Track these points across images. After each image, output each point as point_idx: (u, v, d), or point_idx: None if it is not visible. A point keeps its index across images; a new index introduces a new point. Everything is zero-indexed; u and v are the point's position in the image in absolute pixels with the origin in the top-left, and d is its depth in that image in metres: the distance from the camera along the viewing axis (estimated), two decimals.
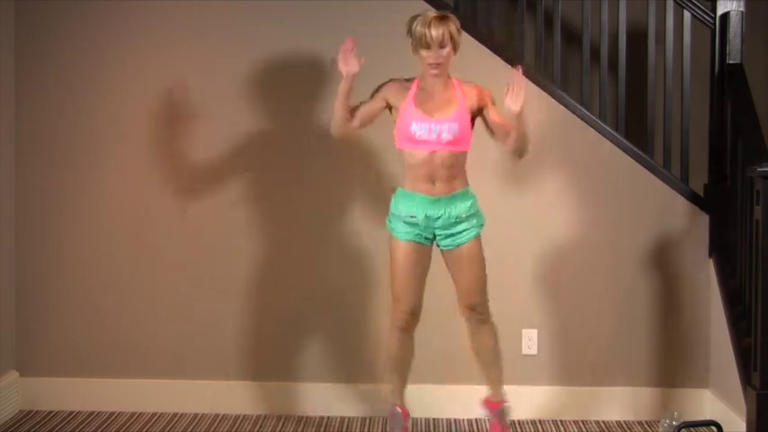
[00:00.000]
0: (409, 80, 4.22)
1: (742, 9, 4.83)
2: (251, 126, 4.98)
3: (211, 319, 5.01)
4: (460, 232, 4.22)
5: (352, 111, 4.22)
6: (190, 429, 4.79)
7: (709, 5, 4.91)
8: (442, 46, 4.08)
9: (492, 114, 4.22)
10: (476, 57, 4.90)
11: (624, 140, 4.92)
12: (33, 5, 4.99)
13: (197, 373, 5.01)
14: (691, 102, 4.96)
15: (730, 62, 4.82)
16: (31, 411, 5.01)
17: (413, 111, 4.13)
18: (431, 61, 4.10)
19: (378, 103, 4.22)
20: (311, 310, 5.00)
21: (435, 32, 4.05)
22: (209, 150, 4.99)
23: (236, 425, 4.85)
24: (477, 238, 4.25)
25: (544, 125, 4.92)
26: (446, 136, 4.11)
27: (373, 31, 4.93)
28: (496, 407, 4.45)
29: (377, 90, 4.24)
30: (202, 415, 4.98)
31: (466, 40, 4.90)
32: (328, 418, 4.95)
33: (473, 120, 4.22)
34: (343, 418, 4.95)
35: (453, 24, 4.12)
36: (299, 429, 4.82)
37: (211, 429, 4.80)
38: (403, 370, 4.40)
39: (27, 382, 5.04)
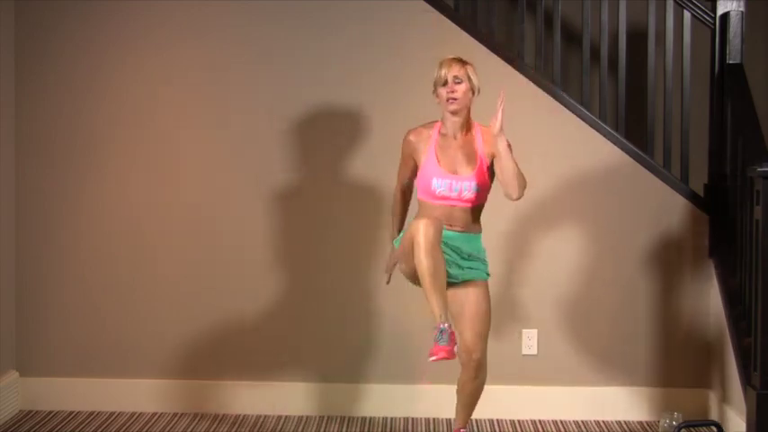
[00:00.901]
0: (429, 125, 4.21)
1: (742, 9, 4.83)
2: (251, 126, 4.98)
3: (211, 319, 5.01)
4: (470, 268, 4.15)
5: (404, 187, 4.33)
6: (190, 429, 4.79)
7: (709, 5, 4.91)
8: (457, 81, 4.11)
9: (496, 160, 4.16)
10: (476, 57, 4.90)
11: (624, 140, 4.92)
12: (33, 5, 4.99)
13: (197, 373, 5.01)
14: (691, 102, 4.96)
15: (730, 62, 4.82)
16: (31, 411, 5.01)
17: (434, 166, 4.11)
18: (447, 95, 4.10)
19: (409, 165, 4.23)
20: (312, 311, 5.00)
21: (450, 68, 4.12)
22: (210, 150, 4.99)
23: (236, 425, 4.85)
24: (486, 282, 4.19)
25: (544, 125, 4.93)
26: (467, 194, 4.11)
27: (373, 32, 4.94)
28: None
29: (402, 151, 4.22)
30: (202, 415, 4.98)
31: (466, 39, 4.92)
32: (328, 417, 4.95)
33: (492, 166, 4.17)
34: (342, 418, 4.95)
35: (471, 66, 4.17)
36: (299, 429, 4.82)
37: (211, 429, 4.80)
38: (442, 284, 3.96)
39: (27, 382, 5.04)
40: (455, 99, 4.10)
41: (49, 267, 5.03)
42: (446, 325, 3.89)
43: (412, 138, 4.19)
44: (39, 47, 5.00)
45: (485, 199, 4.21)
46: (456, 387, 4.28)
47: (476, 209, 4.19)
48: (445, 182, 4.10)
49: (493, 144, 4.07)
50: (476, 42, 4.91)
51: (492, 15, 5.00)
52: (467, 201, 4.12)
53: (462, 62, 4.17)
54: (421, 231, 3.88)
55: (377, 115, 4.96)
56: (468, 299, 4.13)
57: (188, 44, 4.99)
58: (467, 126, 4.18)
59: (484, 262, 4.23)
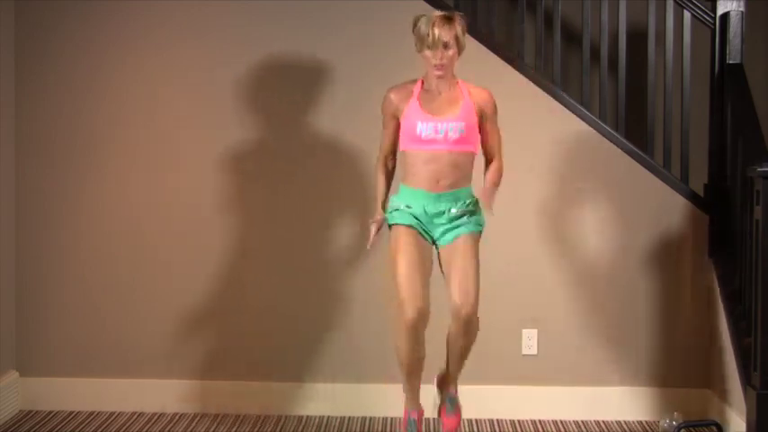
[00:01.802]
0: (412, 82, 4.12)
1: (742, 9, 4.83)
2: (251, 127, 4.98)
3: (211, 319, 5.01)
4: (457, 226, 4.05)
5: (387, 155, 4.21)
6: (189, 429, 4.79)
7: (709, 5, 4.91)
8: (446, 47, 3.96)
9: (487, 127, 4.11)
10: (476, 57, 4.90)
11: (624, 140, 4.92)
12: (33, 5, 4.98)
13: (197, 373, 5.01)
14: (691, 102, 4.96)
15: (730, 62, 4.82)
16: (31, 411, 5.01)
17: (418, 110, 4.01)
18: (435, 62, 3.99)
19: (392, 126, 4.12)
20: (313, 310, 5.00)
21: (440, 33, 3.93)
22: (210, 151, 4.99)
23: (236, 425, 4.85)
24: (474, 234, 4.06)
25: (544, 125, 4.93)
26: (453, 135, 3.99)
27: (373, 31, 4.94)
28: (449, 391, 4.24)
29: (382, 112, 4.13)
30: (203, 415, 4.98)
31: (467, 40, 4.90)
32: (328, 417, 4.96)
33: (480, 123, 4.10)
34: (343, 418, 4.95)
35: (459, 26, 4.00)
36: (299, 429, 4.82)
37: (211, 429, 4.80)
38: (418, 373, 4.12)
39: (27, 382, 5.04)
40: (443, 65, 3.99)
41: (49, 267, 5.03)
42: (414, 416, 4.13)
43: (393, 96, 4.06)
44: (39, 47, 5.00)
45: (474, 147, 4.06)
46: (447, 341, 4.12)
47: (465, 159, 4.04)
48: (430, 124, 3.97)
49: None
50: (476, 42, 4.90)
51: (492, 15, 5.00)
52: (454, 143, 3.98)
53: (451, 21, 3.96)
54: (407, 324, 3.89)
55: (377, 115, 4.95)
56: (455, 252, 4.01)
57: (188, 44, 4.99)
58: (452, 82, 4.09)
59: (473, 213, 4.08)
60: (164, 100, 5.00)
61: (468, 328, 3.99)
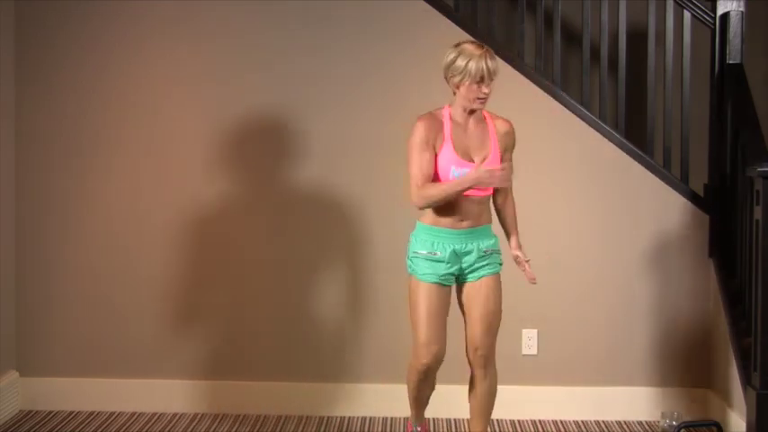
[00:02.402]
0: (438, 111, 3.99)
1: (742, 9, 4.83)
2: (253, 127, 4.98)
3: (211, 319, 5.01)
4: (486, 265, 4.03)
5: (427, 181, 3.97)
6: (190, 429, 4.79)
7: (709, 5, 4.91)
8: (492, 79, 3.92)
9: (504, 158, 4.06)
10: None
11: (624, 140, 4.92)
12: (33, 5, 4.98)
13: (197, 373, 5.01)
14: (691, 102, 4.96)
15: (730, 62, 4.82)
16: (31, 411, 5.01)
17: (451, 154, 3.91)
18: (481, 95, 3.91)
19: (430, 153, 3.91)
20: (313, 311, 5.00)
21: (492, 66, 3.88)
22: (211, 151, 4.99)
23: (237, 425, 4.85)
24: (498, 275, 4.06)
25: (544, 125, 4.93)
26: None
27: (373, 32, 4.94)
28: None
29: (414, 141, 3.91)
30: (203, 415, 4.98)
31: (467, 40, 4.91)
32: (328, 418, 4.96)
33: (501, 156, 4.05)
34: (343, 418, 4.95)
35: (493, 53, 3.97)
36: (299, 429, 4.82)
37: (211, 429, 4.80)
38: (426, 401, 4.27)
39: (27, 382, 5.04)
40: (485, 99, 3.95)
41: (49, 267, 5.03)
42: (419, 429, 4.28)
43: (425, 127, 3.91)
44: (38, 47, 5.00)
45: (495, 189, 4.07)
46: (468, 395, 4.19)
47: (486, 199, 4.04)
48: (464, 170, 3.89)
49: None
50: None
51: (492, 15, 5.00)
52: (482, 190, 3.95)
53: (491, 53, 3.91)
54: (421, 367, 4.02)
55: (377, 116, 4.96)
56: (478, 294, 4.03)
57: (188, 44, 4.99)
58: (477, 113, 4.01)
59: (498, 252, 4.07)
60: (164, 100, 5.00)
61: (486, 371, 4.09)
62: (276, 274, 5.00)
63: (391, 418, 4.94)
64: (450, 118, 3.97)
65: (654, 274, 4.93)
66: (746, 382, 4.28)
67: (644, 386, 4.95)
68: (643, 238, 4.92)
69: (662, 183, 4.91)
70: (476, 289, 4.03)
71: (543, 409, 4.95)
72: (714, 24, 4.88)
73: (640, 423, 4.90)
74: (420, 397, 4.21)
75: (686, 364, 4.94)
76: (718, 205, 4.87)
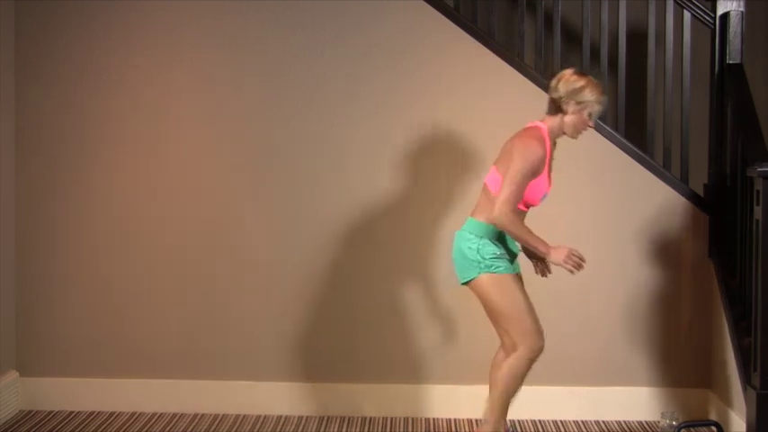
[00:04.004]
0: (540, 132, 4.15)
1: (742, 9, 4.83)
2: (254, 128, 4.98)
3: (211, 318, 5.01)
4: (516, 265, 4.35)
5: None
6: (190, 429, 4.79)
7: (709, 5, 4.91)
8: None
9: None
10: (476, 57, 4.91)
11: (624, 140, 4.92)
12: (33, 5, 4.98)
13: (197, 373, 5.02)
14: (691, 102, 4.96)
15: (730, 62, 4.82)
16: (31, 411, 5.01)
17: (544, 181, 4.16)
18: (589, 126, 4.19)
19: (531, 180, 4.12)
20: (313, 311, 5.00)
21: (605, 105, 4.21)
22: (211, 151, 4.99)
23: (236, 425, 4.85)
24: None
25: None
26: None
27: (373, 32, 4.94)
28: None
29: (529, 164, 4.06)
30: (202, 415, 4.98)
31: (466, 39, 4.92)
32: (328, 418, 4.96)
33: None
34: (343, 418, 4.95)
35: None
36: (299, 429, 4.82)
37: (211, 429, 4.80)
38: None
39: (27, 382, 5.04)
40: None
41: (49, 267, 5.03)
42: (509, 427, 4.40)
43: (543, 149, 4.11)
44: (38, 47, 5.00)
45: None
46: (491, 381, 4.29)
47: None
48: (546, 196, 4.22)
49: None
50: (476, 42, 4.91)
51: (492, 15, 5.00)
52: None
53: None
54: (536, 353, 4.17)
55: (376, 116, 4.96)
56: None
57: (189, 44, 4.99)
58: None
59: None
60: (166, 99, 5.00)
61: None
62: (276, 274, 4.99)
63: (391, 419, 4.94)
64: (548, 140, 4.17)
65: (654, 274, 4.93)
66: (746, 382, 4.28)
67: (644, 386, 4.95)
68: (643, 238, 4.92)
69: (662, 183, 4.91)
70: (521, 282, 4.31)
71: (543, 409, 4.95)
72: (714, 24, 4.88)
73: (640, 423, 4.90)
74: (515, 397, 4.28)
75: (686, 364, 4.94)
76: (718, 205, 4.87)
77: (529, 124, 4.20)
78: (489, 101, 4.93)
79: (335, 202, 4.98)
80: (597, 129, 4.91)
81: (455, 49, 4.93)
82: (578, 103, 4.11)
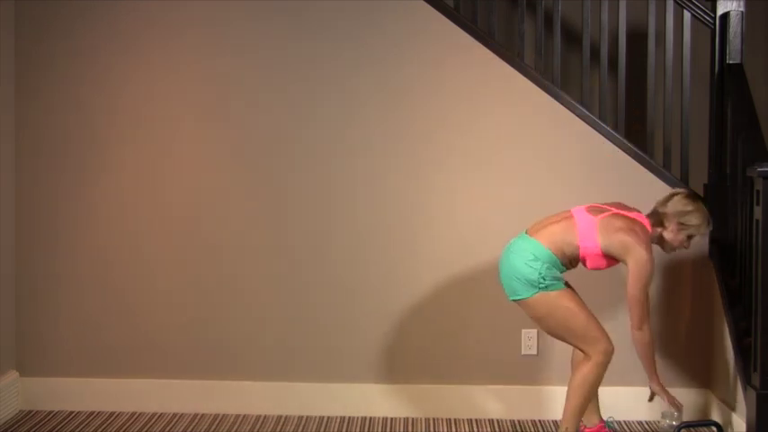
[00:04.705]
0: (647, 236, 4.28)
1: (742, 9, 4.83)
2: (252, 128, 4.98)
3: (211, 319, 5.01)
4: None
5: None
6: (190, 429, 4.79)
7: (709, 5, 4.91)
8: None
9: None
10: (476, 57, 4.91)
11: (624, 140, 4.92)
12: (33, 5, 4.99)
13: (197, 373, 5.02)
14: (691, 102, 4.96)
15: (730, 62, 4.82)
16: (31, 411, 5.01)
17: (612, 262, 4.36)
18: (683, 246, 4.37)
19: None
20: (312, 311, 5.00)
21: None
22: (210, 152, 4.99)
23: (236, 425, 4.85)
24: None
25: (544, 125, 4.93)
26: None
27: (373, 32, 4.94)
28: (600, 427, 4.52)
29: (650, 270, 4.22)
30: (202, 415, 4.98)
31: (466, 39, 4.92)
32: (328, 418, 4.96)
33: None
34: (343, 418, 4.95)
35: None
36: (299, 429, 4.82)
37: (211, 429, 4.80)
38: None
39: (27, 382, 5.04)
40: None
41: (49, 267, 5.03)
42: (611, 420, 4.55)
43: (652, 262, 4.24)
44: (38, 47, 5.00)
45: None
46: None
47: None
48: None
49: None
50: (476, 42, 4.91)
51: (492, 15, 5.00)
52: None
53: None
54: (608, 357, 4.26)
55: (376, 116, 4.96)
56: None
57: (189, 44, 4.99)
58: None
59: None
60: (164, 100, 5.00)
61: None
62: (277, 274, 4.99)
63: (391, 419, 4.94)
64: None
65: (654, 275, 4.92)
66: (746, 382, 4.28)
67: (644, 386, 4.94)
68: None
69: (662, 183, 4.91)
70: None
71: (543, 409, 4.95)
72: (714, 24, 4.88)
73: (640, 423, 4.90)
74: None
75: (686, 364, 4.94)
76: (718, 205, 4.87)
77: (638, 215, 4.33)
78: (489, 101, 4.93)
79: (335, 203, 4.97)
80: (597, 128, 4.92)
81: (455, 49, 4.92)
82: (685, 224, 4.29)
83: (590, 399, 4.32)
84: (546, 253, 4.22)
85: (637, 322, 4.22)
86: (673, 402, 4.37)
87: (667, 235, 4.33)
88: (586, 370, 4.26)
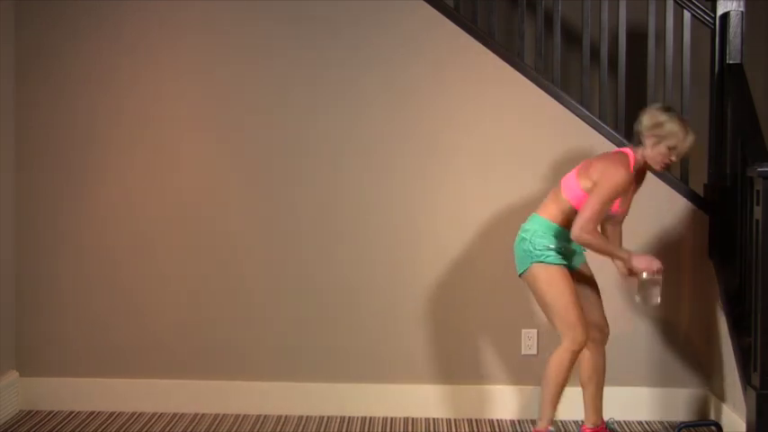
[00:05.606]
0: (627, 159, 4.27)
1: (742, 9, 4.83)
2: (252, 126, 4.98)
3: (211, 319, 5.01)
4: (580, 254, 4.46)
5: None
6: (190, 429, 4.79)
7: (709, 5, 4.91)
8: (681, 155, 4.31)
9: None
10: (476, 57, 4.91)
11: (624, 140, 4.92)
12: (33, 5, 4.98)
13: (197, 373, 5.02)
14: (691, 102, 4.96)
15: (730, 62, 4.82)
16: (31, 411, 5.01)
17: (617, 203, 4.32)
18: (667, 161, 4.28)
19: (613, 202, 4.27)
20: (312, 310, 5.00)
21: (692, 146, 4.29)
22: (210, 150, 4.99)
23: (236, 424, 4.85)
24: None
25: (544, 125, 4.93)
26: None
27: (372, 32, 4.94)
28: (602, 428, 4.53)
29: (616, 188, 4.19)
30: (202, 415, 4.98)
31: (466, 39, 4.92)
32: (328, 418, 4.96)
33: None
34: (343, 418, 4.95)
35: None
36: (299, 429, 4.82)
37: (211, 429, 4.80)
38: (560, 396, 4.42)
39: (27, 382, 5.04)
40: (668, 166, 4.32)
41: (49, 267, 5.03)
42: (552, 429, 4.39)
43: (630, 176, 4.23)
44: (39, 47, 5.00)
45: None
46: (582, 380, 4.47)
47: None
48: (613, 217, 4.35)
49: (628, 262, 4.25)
50: (476, 42, 4.91)
51: (492, 15, 5.00)
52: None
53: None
54: (579, 345, 4.26)
55: (376, 116, 4.96)
56: (588, 280, 4.45)
57: (188, 44, 4.99)
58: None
59: (583, 249, 4.46)
60: (165, 100, 4.99)
61: (607, 336, 4.50)
62: (277, 274, 4.99)
63: (391, 419, 4.94)
64: (632, 168, 4.28)
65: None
66: (746, 382, 4.28)
67: (644, 386, 4.95)
68: (643, 238, 4.92)
69: (662, 183, 4.91)
70: (583, 276, 4.45)
71: None
72: (714, 24, 4.88)
73: (640, 423, 4.90)
74: (566, 382, 4.34)
75: (686, 364, 4.94)
76: (718, 205, 4.87)
77: (622, 149, 4.34)
78: (489, 101, 4.93)
79: (335, 202, 4.97)
80: (596, 128, 4.92)
81: (455, 49, 4.92)
82: (662, 135, 4.23)
83: (563, 385, 4.30)
84: (539, 220, 4.30)
85: (578, 222, 4.15)
86: (649, 266, 4.21)
87: (648, 152, 4.27)
88: (557, 357, 4.28)
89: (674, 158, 4.28)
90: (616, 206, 4.30)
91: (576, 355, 4.29)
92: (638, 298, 4.27)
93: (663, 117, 4.24)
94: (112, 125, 5.00)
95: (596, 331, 4.44)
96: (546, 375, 4.30)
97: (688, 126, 4.26)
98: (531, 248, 4.26)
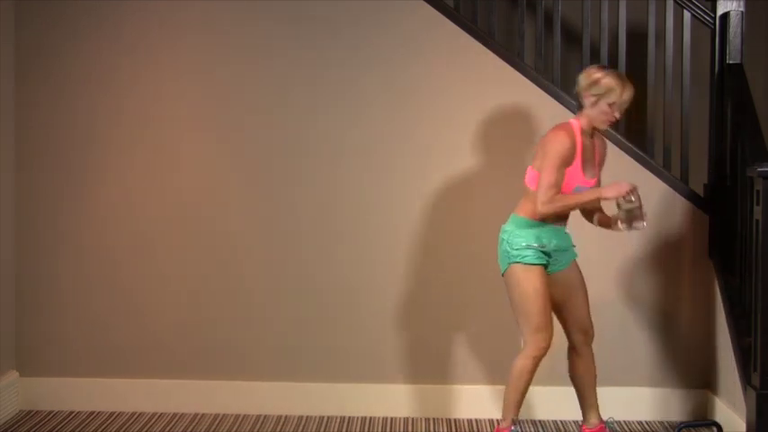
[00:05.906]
0: (569, 125, 4.20)
1: (742, 9, 4.83)
2: (252, 126, 4.98)
3: (211, 318, 5.01)
4: (566, 255, 4.36)
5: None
6: (190, 429, 4.79)
7: (709, 5, 4.91)
8: (623, 109, 4.23)
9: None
10: (476, 57, 4.91)
11: (624, 140, 4.92)
12: (33, 5, 4.98)
13: (197, 373, 5.02)
14: (691, 102, 4.96)
15: (730, 62, 4.82)
16: (31, 411, 5.01)
17: (578, 172, 4.20)
18: (612, 119, 4.21)
19: (565, 169, 4.18)
20: (312, 310, 5.00)
21: (630, 98, 4.21)
22: (210, 150, 4.99)
23: (236, 424, 4.85)
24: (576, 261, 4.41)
25: (545, 126, 4.93)
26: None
27: (372, 32, 4.94)
28: (602, 428, 4.50)
29: (558, 155, 4.12)
30: (202, 415, 4.98)
31: (466, 39, 4.92)
32: (328, 417, 4.96)
33: None
34: (343, 418, 4.95)
35: None
36: (299, 429, 4.82)
37: (211, 429, 4.80)
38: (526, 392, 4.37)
39: (27, 382, 5.04)
40: (613, 122, 4.26)
41: (49, 267, 5.03)
42: (518, 428, 4.32)
43: (571, 140, 4.15)
44: (39, 47, 5.00)
45: None
46: (574, 383, 4.48)
47: None
48: (584, 188, 4.20)
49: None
50: (476, 42, 4.91)
51: (492, 15, 5.00)
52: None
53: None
54: (541, 352, 4.21)
55: (376, 116, 4.96)
56: (573, 281, 4.35)
57: (188, 44, 4.99)
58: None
59: (572, 245, 4.38)
60: (165, 100, 5.00)
61: (591, 338, 4.47)
62: (277, 274, 4.99)
63: (391, 419, 4.94)
64: (578, 133, 4.20)
65: (654, 274, 4.93)
66: (746, 382, 4.28)
67: (644, 386, 4.95)
68: (643, 238, 4.92)
69: (662, 183, 4.91)
70: (567, 278, 4.35)
71: (543, 410, 4.95)
72: (714, 24, 4.88)
73: (640, 423, 4.90)
74: (527, 387, 4.30)
75: (686, 365, 4.94)
76: (718, 205, 4.87)
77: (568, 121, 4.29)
78: (489, 100, 4.93)
79: (335, 201, 4.97)
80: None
81: (455, 49, 4.92)
82: (600, 93, 4.15)
83: (523, 389, 4.26)
84: (516, 219, 4.26)
85: (539, 198, 4.10)
86: (619, 191, 4.10)
87: (590, 112, 4.18)
88: (519, 363, 4.23)
89: (617, 115, 4.19)
90: (583, 178, 4.19)
91: (538, 361, 4.23)
92: (623, 227, 4.17)
93: (598, 74, 4.16)
94: (112, 125, 5.01)
95: (580, 334, 4.40)
96: (508, 381, 4.26)
97: (626, 79, 4.17)
98: (509, 249, 4.23)
